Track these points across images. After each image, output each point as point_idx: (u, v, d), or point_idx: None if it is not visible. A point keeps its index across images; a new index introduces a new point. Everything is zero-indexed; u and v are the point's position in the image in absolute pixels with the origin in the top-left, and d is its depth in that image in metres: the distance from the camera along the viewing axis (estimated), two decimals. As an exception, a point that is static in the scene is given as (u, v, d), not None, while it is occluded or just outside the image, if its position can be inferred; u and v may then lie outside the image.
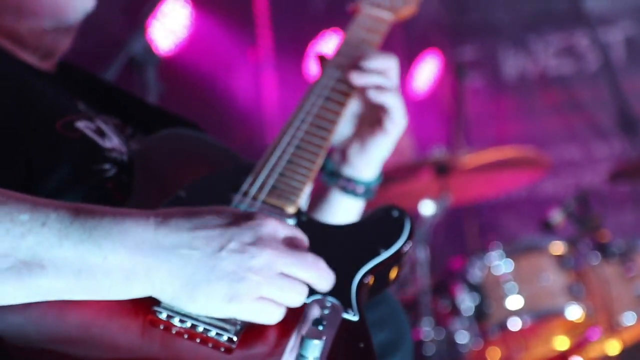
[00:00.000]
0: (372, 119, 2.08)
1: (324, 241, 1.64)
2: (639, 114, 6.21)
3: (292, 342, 1.40)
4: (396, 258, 1.65)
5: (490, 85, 7.00)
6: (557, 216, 4.63)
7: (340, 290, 1.52)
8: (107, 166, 1.78)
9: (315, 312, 1.44)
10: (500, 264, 4.52)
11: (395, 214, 1.72)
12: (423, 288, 4.41)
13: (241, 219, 1.43)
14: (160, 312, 1.39)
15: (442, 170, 4.37)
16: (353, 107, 2.11)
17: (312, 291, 1.48)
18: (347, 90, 2.02)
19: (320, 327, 1.39)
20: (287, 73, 5.85)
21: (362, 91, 2.05)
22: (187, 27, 5.17)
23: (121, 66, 3.87)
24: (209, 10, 5.35)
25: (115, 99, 2.15)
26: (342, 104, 1.99)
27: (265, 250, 1.40)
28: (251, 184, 1.74)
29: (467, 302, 4.47)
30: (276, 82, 5.75)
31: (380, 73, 2.02)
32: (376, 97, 2.03)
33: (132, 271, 1.37)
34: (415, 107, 6.59)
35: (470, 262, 4.57)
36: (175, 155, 1.87)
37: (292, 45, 5.92)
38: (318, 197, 2.17)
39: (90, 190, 1.72)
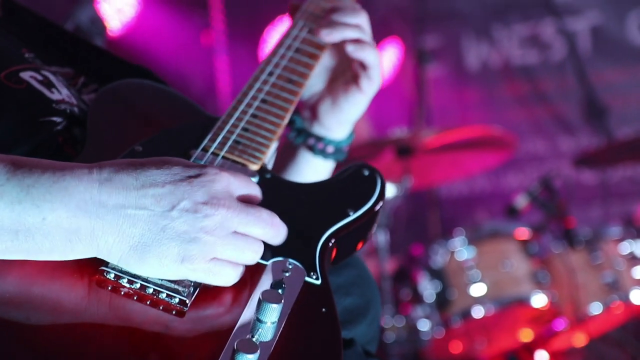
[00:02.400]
0: (346, 74, 1.93)
1: (288, 200, 1.56)
2: (605, 104, 6.10)
3: (250, 305, 1.33)
4: (366, 219, 1.56)
5: (453, 74, 6.87)
6: (521, 200, 4.51)
7: (303, 253, 1.45)
8: (56, 119, 1.64)
9: (275, 275, 1.39)
10: (462, 250, 4.40)
11: (366, 172, 1.62)
12: (383, 274, 4.24)
13: (193, 175, 1.35)
14: (108, 272, 1.32)
15: (404, 151, 4.21)
16: (325, 60, 1.96)
17: (274, 253, 1.43)
18: (321, 42, 1.88)
19: (280, 291, 1.34)
20: (241, 58, 5.72)
21: (337, 45, 1.91)
22: (134, 6, 5.05)
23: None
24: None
25: (69, 45, 1.96)
26: (314, 57, 1.86)
27: (219, 210, 1.33)
28: (212, 139, 1.62)
29: (428, 289, 4.35)
30: (229, 67, 5.62)
31: (355, 27, 1.87)
32: (355, 52, 1.87)
33: (74, 233, 1.28)
34: (376, 95, 6.45)
35: (432, 248, 4.45)
36: (133, 107, 1.74)
37: (247, 29, 5.79)
38: (285, 157, 2.03)
39: (39, 144, 1.58)
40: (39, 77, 1.67)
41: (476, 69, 6.86)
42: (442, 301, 4.31)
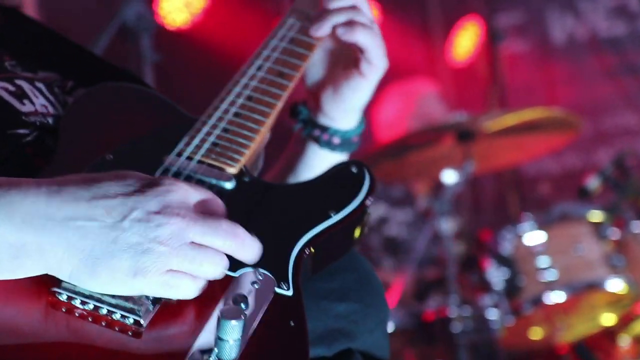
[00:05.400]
0: (346, 59, 1.82)
1: (267, 204, 1.47)
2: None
3: (211, 322, 1.25)
4: (351, 221, 1.46)
5: (538, 50, 6.68)
6: (593, 182, 4.33)
7: (276, 261, 1.36)
8: (23, 131, 1.59)
9: (243, 287, 1.30)
10: (531, 235, 4.26)
11: (354, 169, 1.51)
12: (448, 262, 4.14)
13: (146, 185, 1.28)
14: (60, 294, 1.26)
15: (465, 136, 4.10)
16: (326, 44, 1.84)
17: (244, 263, 1.33)
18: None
19: (243, 305, 1.24)
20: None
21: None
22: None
23: (113, 34, 3.70)
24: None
25: (59, 51, 1.92)
26: (310, 47, 1.75)
27: (173, 219, 1.25)
28: (187, 143, 1.54)
29: (496, 276, 4.21)
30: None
31: (348, 9, 1.76)
32: (345, 35, 1.76)
33: (21, 248, 1.23)
34: (455, 76, 6.36)
35: (500, 234, 4.30)
36: (109, 112, 1.67)
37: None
38: (294, 152, 1.94)
39: (7, 157, 1.54)
40: (11, 88, 1.63)
41: (562, 44, 6.66)
42: (512, 288, 4.18)
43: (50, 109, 1.67)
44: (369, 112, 5.20)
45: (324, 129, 1.87)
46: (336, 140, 1.86)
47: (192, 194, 1.30)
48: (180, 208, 1.27)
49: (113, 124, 1.63)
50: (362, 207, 1.47)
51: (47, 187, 1.26)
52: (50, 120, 1.65)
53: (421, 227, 4.45)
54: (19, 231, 1.23)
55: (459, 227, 4.96)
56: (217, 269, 1.29)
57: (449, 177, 4.19)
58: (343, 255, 1.53)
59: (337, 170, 1.53)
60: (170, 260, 1.24)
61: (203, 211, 1.30)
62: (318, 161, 1.89)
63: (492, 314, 4.16)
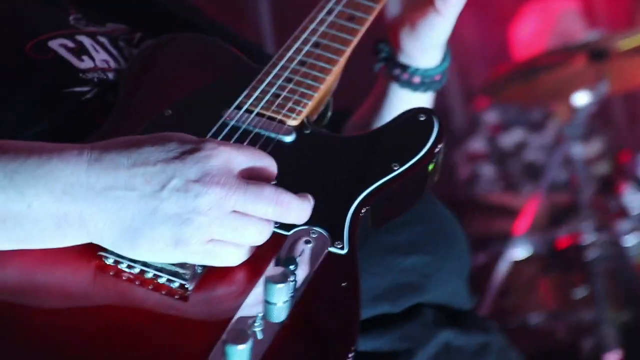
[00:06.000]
0: None
1: (327, 158, 1.42)
2: None
3: (260, 285, 1.22)
4: (418, 172, 1.38)
5: None
6: None
7: (333, 218, 1.30)
8: (81, 88, 1.57)
9: (295, 246, 1.26)
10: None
11: (422, 117, 1.43)
12: (582, 188, 3.99)
13: (187, 150, 1.24)
14: (107, 258, 1.26)
15: (597, 55, 3.90)
16: None
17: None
18: None
19: (292, 267, 1.21)
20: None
21: None
22: None
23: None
24: None
25: (129, 1, 1.88)
26: None
27: (212, 187, 1.21)
28: (249, 95, 1.48)
29: (635, 200, 4.03)
30: None
31: None
32: None
33: (63, 218, 1.23)
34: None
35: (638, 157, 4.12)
36: (172, 64, 1.63)
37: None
38: (377, 95, 1.87)
39: (65, 115, 1.53)
40: (70, 44, 1.61)
41: None
42: (650, 214, 4.03)
43: (112, 64, 1.64)
44: (506, 30, 5.05)
45: (404, 67, 1.77)
46: (416, 79, 1.77)
47: (236, 158, 1.25)
48: (221, 175, 1.22)
49: (176, 76, 1.59)
50: (429, 157, 1.39)
51: (88, 155, 1.24)
52: (110, 75, 1.62)
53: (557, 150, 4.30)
54: (59, 201, 1.22)
55: (603, 148, 4.78)
56: (261, 237, 1.25)
57: (582, 98, 4.02)
58: (411, 208, 1.46)
59: (403, 119, 1.45)
60: (211, 230, 1.21)
61: (249, 175, 1.26)
62: (400, 102, 1.81)
63: (630, 240, 4.00)
